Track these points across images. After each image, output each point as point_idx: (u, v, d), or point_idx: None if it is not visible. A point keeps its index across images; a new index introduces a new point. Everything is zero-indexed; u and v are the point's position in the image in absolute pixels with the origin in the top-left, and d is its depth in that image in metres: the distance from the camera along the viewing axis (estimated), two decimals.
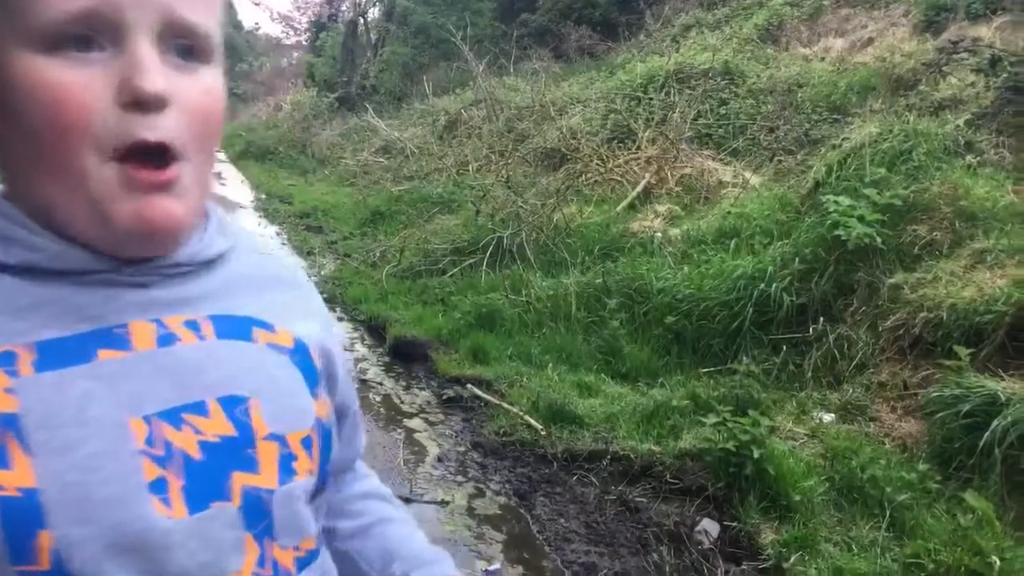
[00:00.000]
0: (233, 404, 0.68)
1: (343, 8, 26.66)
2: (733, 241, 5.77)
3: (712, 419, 3.66)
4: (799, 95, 8.48)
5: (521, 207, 7.52)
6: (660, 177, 8.08)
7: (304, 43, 32.65)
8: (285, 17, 36.18)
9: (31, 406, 0.59)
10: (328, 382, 0.79)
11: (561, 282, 6.05)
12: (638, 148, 8.77)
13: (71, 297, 0.64)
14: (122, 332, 0.65)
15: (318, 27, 28.67)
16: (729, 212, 6.30)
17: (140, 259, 0.66)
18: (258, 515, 0.67)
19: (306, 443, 0.72)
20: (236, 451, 0.66)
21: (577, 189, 8.30)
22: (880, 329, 4.43)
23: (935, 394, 3.67)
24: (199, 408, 0.66)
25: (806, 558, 3.01)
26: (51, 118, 0.58)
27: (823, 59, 9.42)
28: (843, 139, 6.42)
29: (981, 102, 6.22)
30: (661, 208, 7.39)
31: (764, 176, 7.49)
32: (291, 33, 35.21)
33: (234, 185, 15.59)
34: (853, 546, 3.04)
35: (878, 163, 5.53)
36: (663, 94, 9.65)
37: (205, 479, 0.64)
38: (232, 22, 54.34)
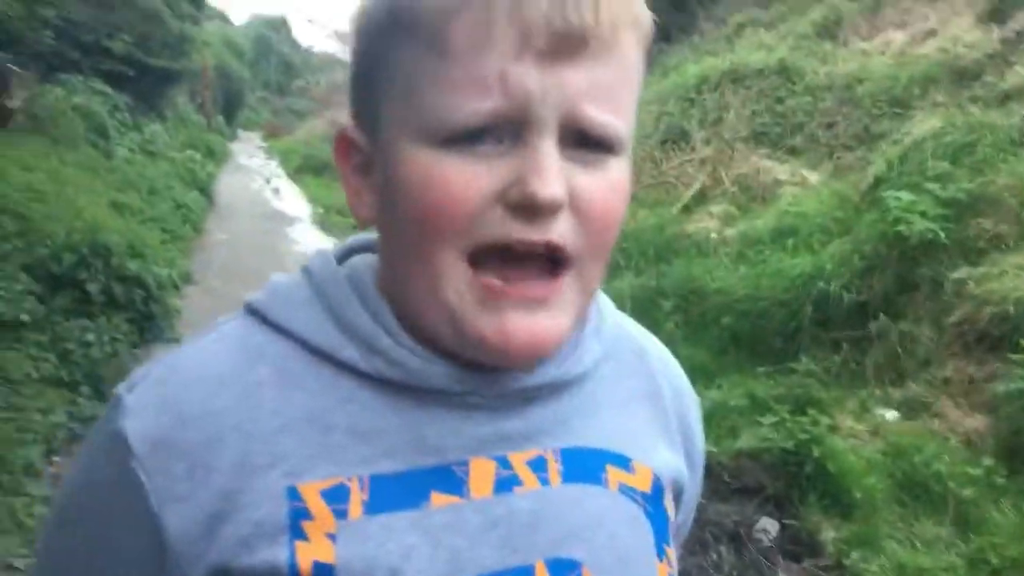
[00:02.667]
0: (563, 570, 0.58)
1: None
2: (791, 240, 5.71)
3: (770, 418, 3.63)
4: (858, 90, 8.32)
5: None
6: (715, 178, 8.03)
7: None
8: (340, 34, 36.91)
9: (349, 559, 0.54)
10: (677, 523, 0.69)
11: (615, 286, 6.06)
12: (692, 149, 8.73)
13: (420, 424, 0.58)
14: (461, 472, 0.58)
15: None
16: (786, 211, 6.23)
17: (500, 375, 0.59)
18: None
19: None
20: None
21: (631, 193, 8.29)
22: (944, 325, 4.33)
23: (1002, 389, 3.58)
24: (524, 574, 0.57)
25: (868, 555, 2.97)
26: (423, 213, 0.53)
27: (883, 53, 9.22)
28: (904, 134, 6.29)
29: None
30: (716, 209, 7.34)
31: (823, 173, 7.38)
32: (346, 49, 35.94)
33: (292, 199, 15.98)
34: (916, 542, 3.00)
35: (941, 157, 5.41)
36: (717, 94, 9.58)
37: None
38: (288, 41, 55.63)
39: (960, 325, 4.27)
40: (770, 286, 5.20)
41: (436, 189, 0.52)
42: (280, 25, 54.60)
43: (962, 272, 4.49)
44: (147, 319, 5.75)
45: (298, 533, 0.54)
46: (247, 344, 0.59)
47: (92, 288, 5.37)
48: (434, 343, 0.58)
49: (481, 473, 0.58)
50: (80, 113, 10.78)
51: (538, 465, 0.60)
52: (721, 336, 5.18)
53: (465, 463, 0.58)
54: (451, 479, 0.57)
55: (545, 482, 0.59)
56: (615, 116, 0.54)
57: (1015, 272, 4.19)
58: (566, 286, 0.55)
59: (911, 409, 4.00)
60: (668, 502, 0.66)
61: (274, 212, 14.04)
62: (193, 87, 23.49)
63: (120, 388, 0.59)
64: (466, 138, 0.52)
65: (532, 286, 0.54)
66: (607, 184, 0.55)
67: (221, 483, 0.54)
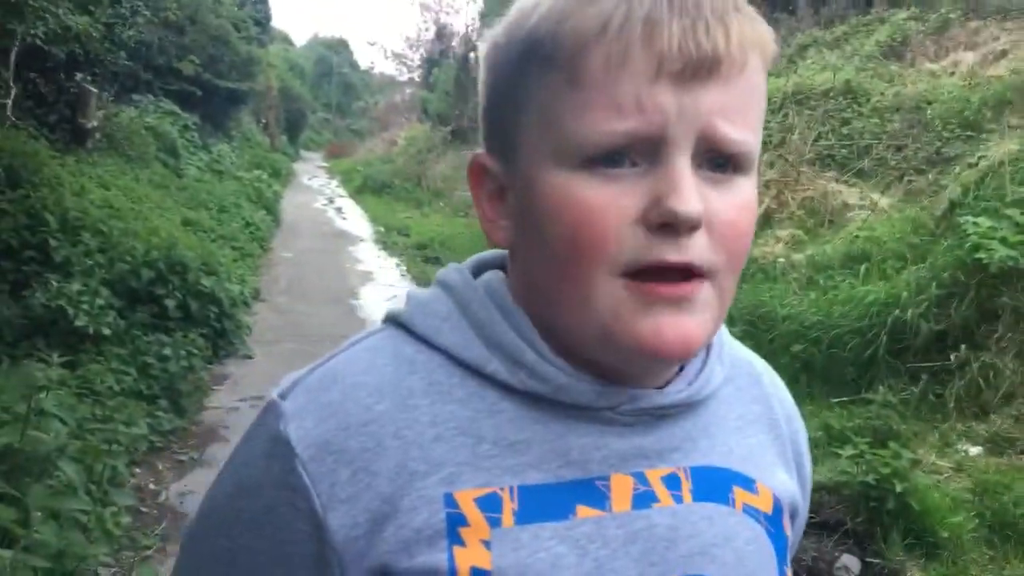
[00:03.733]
0: None
1: (454, 44, 27.48)
2: (863, 266, 5.59)
3: (849, 451, 3.55)
4: (928, 112, 8.14)
5: None
6: (780, 201, 7.91)
7: (417, 79, 33.71)
8: (399, 55, 37.38)
9: (503, 566, 0.56)
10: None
11: None
12: (756, 172, 8.62)
13: (562, 437, 0.60)
14: (603, 486, 0.60)
15: (430, 63, 29.58)
16: (857, 236, 6.11)
17: (637, 390, 0.61)
18: None
19: None
20: None
21: None
22: None
23: None
24: None
25: None
26: (568, 236, 0.55)
27: (952, 74, 9.01)
28: (979, 157, 6.14)
29: None
30: (783, 233, 7.23)
31: (893, 197, 7.22)
32: (404, 70, 36.52)
33: (354, 218, 16.23)
34: None
35: (1020, 182, 5.26)
36: (781, 116, 9.46)
37: None
38: (348, 62, 56.71)
39: None
40: (842, 313, 5.09)
41: (577, 212, 0.54)
42: (341, 46, 55.75)
43: None
44: (220, 335, 5.89)
45: (456, 539, 0.56)
46: (399, 355, 0.61)
47: (169, 304, 5.53)
48: (579, 357, 0.60)
49: (621, 488, 0.60)
50: (152, 133, 11.14)
51: (672, 482, 0.62)
52: (792, 364, 5.08)
53: (607, 478, 0.60)
54: (594, 493, 0.59)
55: (678, 499, 0.61)
56: (748, 133, 0.56)
57: None
58: (705, 290, 0.56)
59: (996, 445, 3.87)
60: (786, 523, 0.68)
61: (337, 231, 14.27)
62: (258, 108, 24.08)
63: (272, 394, 0.61)
64: (604, 160, 0.54)
65: (679, 286, 0.55)
66: (739, 203, 0.57)
67: (382, 487, 0.56)
